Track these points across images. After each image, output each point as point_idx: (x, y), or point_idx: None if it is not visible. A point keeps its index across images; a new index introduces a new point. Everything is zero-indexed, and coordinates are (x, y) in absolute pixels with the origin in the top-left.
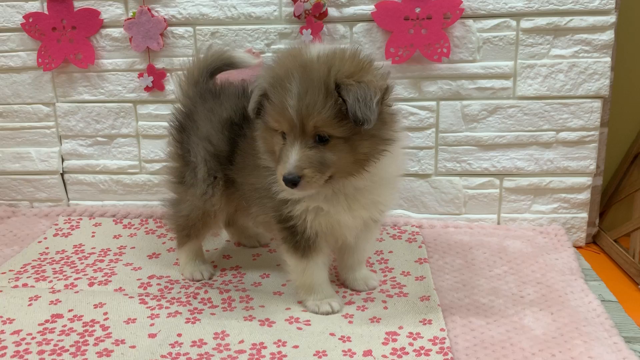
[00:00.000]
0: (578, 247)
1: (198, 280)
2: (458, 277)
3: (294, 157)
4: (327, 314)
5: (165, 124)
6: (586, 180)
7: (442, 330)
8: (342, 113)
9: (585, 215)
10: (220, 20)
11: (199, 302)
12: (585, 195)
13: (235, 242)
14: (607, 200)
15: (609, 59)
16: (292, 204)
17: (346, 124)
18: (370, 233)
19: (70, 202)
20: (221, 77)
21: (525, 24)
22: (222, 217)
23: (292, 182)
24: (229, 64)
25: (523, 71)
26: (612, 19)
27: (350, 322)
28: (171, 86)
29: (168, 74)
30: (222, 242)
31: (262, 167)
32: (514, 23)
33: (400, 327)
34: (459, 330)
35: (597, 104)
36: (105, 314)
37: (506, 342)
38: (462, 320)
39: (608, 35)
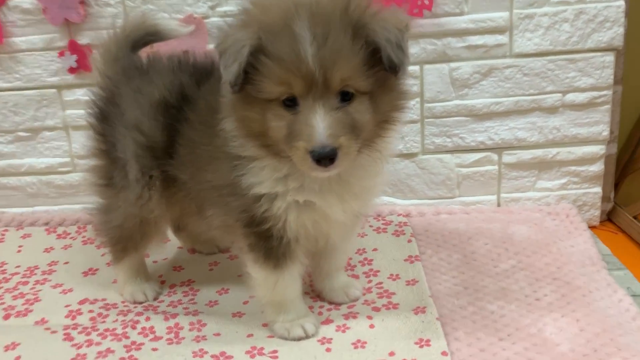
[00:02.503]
0: (592, 227)
1: (140, 303)
2: (458, 278)
3: (322, 123)
4: (300, 339)
5: None
6: (599, 149)
7: (444, 354)
8: (368, 60)
9: (598, 189)
10: None
11: (139, 334)
12: (598, 167)
13: (189, 248)
14: (621, 171)
15: (622, 3)
16: (268, 201)
17: (374, 73)
18: (352, 230)
19: None
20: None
21: None
22: (165, 224)
23: (330, 156)
24: (153, 34)
25: (520, 23)
26: None
27: (328, 349)
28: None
29: (95, 51)
30: (173, 249)
31: (222, 158)
32: None
33: (392, 354)
34: (465, 352)
35: (610, 57)
36: (17, 358)
37: None
38: (467, 338)
39: None
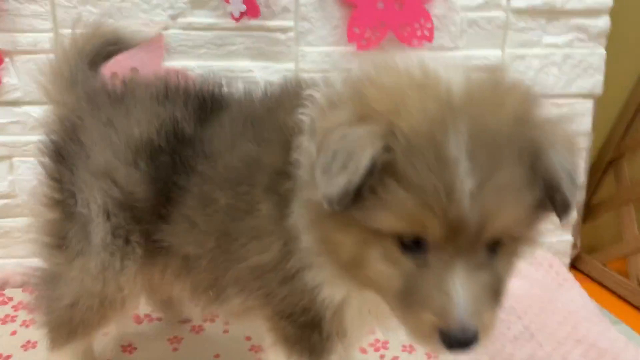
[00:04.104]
0: None
1: None
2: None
3: (464, 292)
4: None
5: (3, 137)
6: None
7: None
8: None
9: (569, 237)
10: None
11: None
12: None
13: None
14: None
15: (604, 51)
16: (326, 293)
17: (537, 215)
18: None
19: None
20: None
21: (518, 2)
22: (134, 305)
23: (470, 343)
24: (113, 43)
25: (512, 63)
26: (610, 1)
27: None
28: (13, 78)
29: (7, 59)
30: None
31: (274, 232)
32: (504, 1)
33: None
34: None
35: (589, 104)
36: None
37: None
38: None
39: (604, 21)
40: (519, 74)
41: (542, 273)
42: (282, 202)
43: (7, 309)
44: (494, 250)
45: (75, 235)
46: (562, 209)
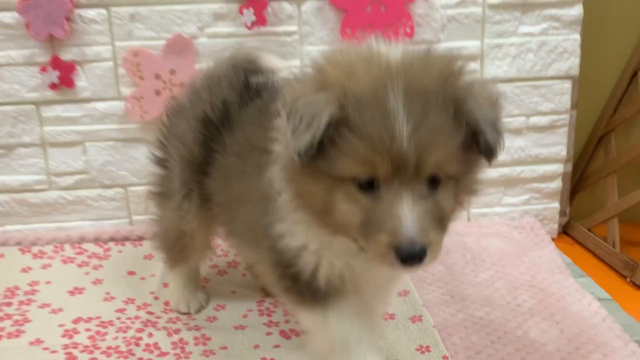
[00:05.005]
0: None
1: (184, 313)
2: (444, 288)
3: (410, 214)
4: None
5: (78, 127)
6: (557, 167)
7: (445, 358)
8: (464, 142)
9: (557, 204)
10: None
11: (144, 351)
12: (557, 184)
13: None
14: (572, 188)
15: (578, 36)
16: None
17: (467, 156)
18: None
19: None
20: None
21: None
22: (204, 239)
23: (419, 255)
24: (251, 63)
25: (491, 51)
26: None
27: None
28: (83, 82)
29: (78, 67)
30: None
31: (258, 198)
32: None
33: None
34: (462, 355)
35: (568, 84)
36: None
37: None
38: (463, 342)
39: (577, 10)
40: (497, 60)
41: (524, 235)
42: (263, 173)
43: (83, 257)
44: (435, 186)
45: (169, 184)
46: (486, 152)
